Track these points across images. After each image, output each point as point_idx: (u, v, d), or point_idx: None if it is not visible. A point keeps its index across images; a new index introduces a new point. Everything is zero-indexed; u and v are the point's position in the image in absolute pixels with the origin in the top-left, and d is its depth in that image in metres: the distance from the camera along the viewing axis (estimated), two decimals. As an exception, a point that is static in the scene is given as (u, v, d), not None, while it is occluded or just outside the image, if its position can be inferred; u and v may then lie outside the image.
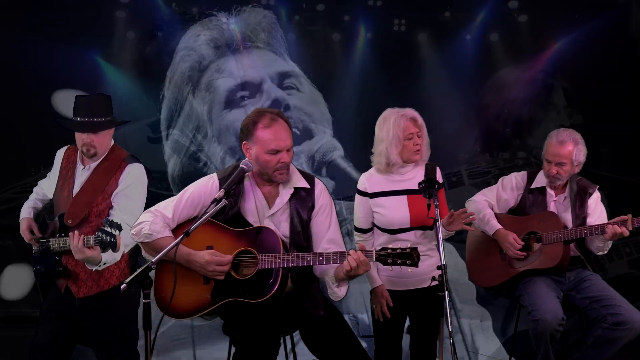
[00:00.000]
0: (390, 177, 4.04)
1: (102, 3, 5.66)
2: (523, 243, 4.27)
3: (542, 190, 4.39)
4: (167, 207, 3.47)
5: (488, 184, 4.60)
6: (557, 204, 4.37)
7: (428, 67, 5.94)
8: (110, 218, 3.62)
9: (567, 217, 4.33)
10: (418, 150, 3.98)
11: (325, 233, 3.54)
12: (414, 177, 3.95)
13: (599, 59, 5.66)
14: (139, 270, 3.01)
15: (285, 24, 5.93)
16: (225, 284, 3.38)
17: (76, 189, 3.87)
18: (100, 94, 4.03)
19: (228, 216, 3.46)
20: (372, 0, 5.90)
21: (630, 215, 4.08)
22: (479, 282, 4.57)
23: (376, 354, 4.08)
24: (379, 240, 4.02)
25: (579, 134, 4.31)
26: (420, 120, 4.03)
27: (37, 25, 5.50)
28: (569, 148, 4.24)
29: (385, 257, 3.23)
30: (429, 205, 3.62)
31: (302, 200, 3.53)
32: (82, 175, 3.90)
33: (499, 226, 4.31)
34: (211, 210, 3.26)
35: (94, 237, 3.54)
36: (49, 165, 4.12)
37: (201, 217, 3.25)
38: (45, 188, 4.12)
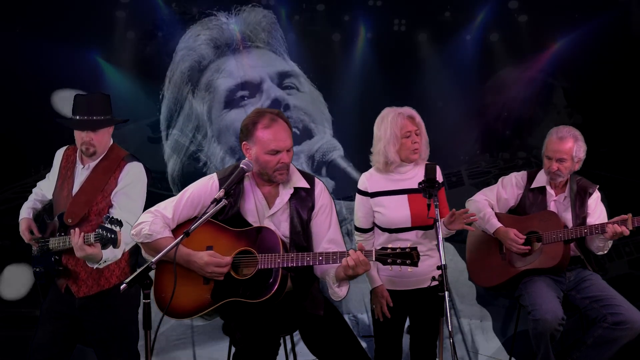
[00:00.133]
0: (391, 177, 4.04)
1: (102, 3, 5.66)
2: (525, 237, 4.27)
3: (542, 190, 4.39)
4: (167, 208, 3.47)
5: (488, 184, 4.60)
6: (557, 203, 4.37)
7: (428, 67, 5.94)
8: (111, 215, 3.62)
9: (567, 217, 4.33)
10: (416, 149, 3.98)
11: (326, 233, 3.53)
12: (414, 176, 3.95)
13: (599, 59, 5.66)
14: (139, 271, 3.01)
15: (285, 24, 5.93)
16: (225, 284, 3.38)
17: (76, 188, 3.87)
18: (100, 92, 4.04)
19: (228, 216, 3.46)
20: (372, 0, 5.90)
21: (630, 215, 4.09)
22: (479, 282, 4.57)
23: (376, 353, 4.08)
24: (380, 240, 4.02)
25: (578, 131, 4.32)
26: (418, 118, 4.03)
27: (37, 25, 5.49)
28: (569, 144, 4.26)
29: (385, 256, 3.23)
30: (429, 205, 3.62)
31: (302, 200, 3.52)
32: (81, 174, 3.90)
33: (499, 224, 4.31)
34: (211, 211, 3.26)
35: (94, 234, 3.54)
36: (48, 166, 4.12)
37: (201, 217, 3.25)
38: (45, 189, 4.12)
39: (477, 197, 4.47)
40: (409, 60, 5.93)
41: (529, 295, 4.22)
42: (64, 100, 5.44)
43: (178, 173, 5.92)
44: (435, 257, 3.84)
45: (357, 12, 5.91)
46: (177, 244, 3.16)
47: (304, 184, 3.55)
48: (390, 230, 3.98)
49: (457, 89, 5.90)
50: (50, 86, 5.52)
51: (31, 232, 4.02)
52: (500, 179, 4.52)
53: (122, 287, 2.97)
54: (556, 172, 4.28)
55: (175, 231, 3.47)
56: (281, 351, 3.46)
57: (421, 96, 5.73)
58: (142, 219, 3.46)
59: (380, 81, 5.88)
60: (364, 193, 4.05)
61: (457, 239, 4.66)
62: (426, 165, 3.75)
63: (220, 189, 3.36)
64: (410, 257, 3.21)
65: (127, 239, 3.62)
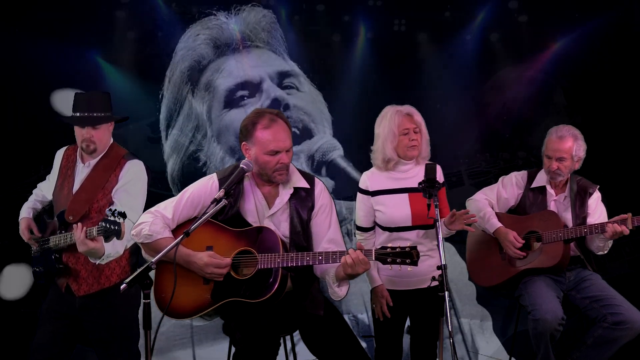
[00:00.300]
0: (392, 175, 4.04)
1: (102, 3, 5.65)
2: (523, 242, 4.27)
3: (542, 190, 4.40)
4: (167, 208, 3.48)
5: (488, 183, 4.59)
6: (558, 203, 4.37)
7: (428, 67, 5.93)
8: (114, 207, 3.62)
9: (567, 217, 4.33)
10: (414, 146, 3.98)
11: (325, 233, 3.53)
12: (415, 175, 3.95)
13: (599, 59, 5.66)
14: (139, 271, 3.01)
15: (285, 24, 5.92)
16: (225, 284, 3.38)
17: (76, 186, 3.89)
18: (100, 91, 4.05)
19: (228, 216, 3.46)
20: (372, 0, 5.89)
21: (630, 214, 4.09)
22: (479, 282, 4.57)
23: (376, 353, 4.09)
24: (380, 239, 4.03)
25: (578, 130, 4.33)
26: (417, 117, 4.03)
27: (37, 25, 5.49)
28: (569, 144, 4.26)
29: (385, 256, 3.23)
30: (428, 205, 3.62)
31: (302, 200, 3.52)
32: (82, 172, 3.92)
33: (499, 224, 4.31)
34: (211, 211, 3.26)
35: (97, 227, 3.53)
36: (48, 166, 4.12)
37: (201, 218, 3.25)
38: (45, 189, 4.12)
39: (477, 196, 4.47)
40: (409, 60, 5.92)
41: (529, 295, 4.22)
42: (63, 100, 5.43)
43: (178, 173, 5.92)
44: (435, 258, 3.85)
45: (357, 12, 5.90)
46: (177, 244, 3.16)
47: (303, 184, 3.55)
48: (391, 229, 3.98)
49: (457, 89, 5.90)
50: (50, 86, 5.51)
51: (31, 232, 4.02)
52: (500, 179, 4.52)
53: (122, 287, 2.98)
54: (556, 171, 4.29)
55: (175, 231, 3.47)
56: (281, 351, 3.46)
57: (421, 96, 5.72)
58: (142, 219, 3.46)
59: (380, 81, 5.88)
60: (365, 192, 4.05)
61: (457, 239, 4.65)
62: (426, 165, 3.75)
63: (220, 189, 3.36)
64: (410, 256, 3.21)
65: (128, 235, 3.62)
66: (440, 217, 3.80)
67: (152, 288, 3.22)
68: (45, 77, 5.49)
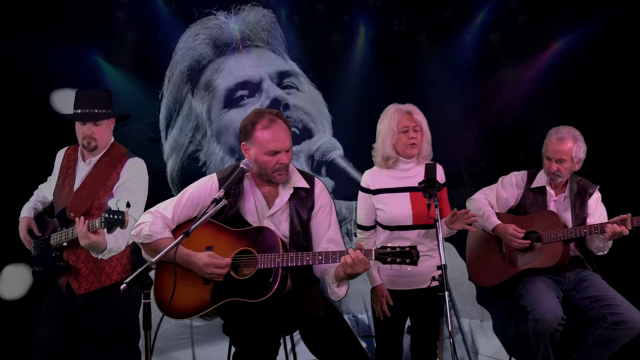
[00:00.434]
0: (394, 174, 4.04)
1: (102, 3, 5.65)
2: (524, 231, 4.27)
3: (542, 190, 4.39)
4: (167, 208, 3.47)
5: (488, 183, 4.58)
6: (557, 203, 4.37)
7: (428, 67, 5.93)
8: (117, 197, 3.62)
9: (567, 217, 4.33)
10: (413, 144, 3.99)
11: (325, 233, 3.53)
12: (417, 174, 3.95)
13: (599, 59, 5.65)
14: (139, 270, 3.01)
15: (284, 24, 5.92)
16: (225, 284, 3.37)
17: (77, 183, 3.90)
18: (101, 89, 4.07)
19: (227, 216, 3.46)
20: (372, 0, 5.89)
21: (629, 215, 4.09)
22: (479, 282, 4.57)
23: (377, 353, 4.09)
24: (381, 238, 4.03)
25: (578, 131, 4.32)
26: (417, 115, 4.04)
27: (37, 25, 5.49)
28: (569, 145, 4.26)
29: (385, 255, 3.23)
30: (428, 205, 3.63)
31: (302, 200, 3.52)
32: (82, 170, 3.93)
33: (498, 222, 4.31)
34: (211, 211, 3.26)
35: (100, 219, 3.52)
36: (48, 166, 4.12)
37: (201, 218, 3.25)
38: (46, 190, 4.14)
39: (477, 196, 4.47)
40: (409, 60, 5.92)
41: (529, 295, 4.22)
42: (63, 100, 5.43)
43: (177, 173, 5.92)
44: (436, 258, 3.85)
45: (357, 12, 5.90)
46: (177, 244, 3.15)
47: (303, 184, 3.55)
48: (392, 228, 3.99)
49: (457, 89, 5.90)
50: (50, 86, 5.51)
51: (31, 232, 4.03)
52: (500, 179, 4.52)
53: (122, 287, 2.97)
54: (556, 172, 4.28)
55: (175, 231, 3.47)
56: (281, 351, 3.46)
57: (421, 96, 5.71)
58: (142, 219, 3.46)
59: (380, 81, 5.88)
60: (366, 190, 4.05)
61: (457, 239, 4.65)
62: (426, 165, 3.75)
63: (220, 189, 3.36)
64: (409, 256, 3.21)
65: (130, 229, 3.59)
66: (441, 218, 3.81)
67: (152, 288, 3.22)
68: (45, 77, 5.49)
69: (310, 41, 5.94)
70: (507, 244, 4.35)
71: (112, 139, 4.00)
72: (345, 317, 5.31)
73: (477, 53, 5.88)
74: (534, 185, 4.42)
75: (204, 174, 5.04)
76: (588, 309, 4.22)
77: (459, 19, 5.90)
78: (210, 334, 5.64)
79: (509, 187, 4.46)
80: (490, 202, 4.42)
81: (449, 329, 3.36)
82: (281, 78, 5.96)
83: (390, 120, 4.02)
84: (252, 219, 3.48)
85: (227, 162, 5.87)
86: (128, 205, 3.50)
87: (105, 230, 3.55)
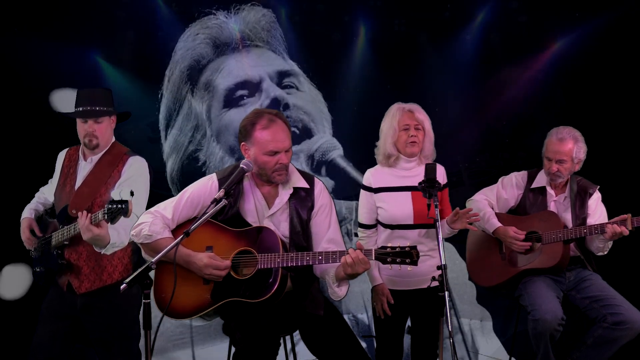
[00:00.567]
0: (396, 173, 4.05)
1: (102, 3, 5.64)
2: (525, 233, 4.27)
3: (542, 190, 4.39)
4: (167, 208, 3.47)
5: (488, 184, 4.58)
6: (557, 203, 4.37)
7: (428, 67, 5.92)
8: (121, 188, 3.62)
9: (567, 217, 4.33)
10: (413, 142, 3.99)
11: (325, 233, 3.53)
12: (419, 174, 3.94)
13: (599, 59, 5.65)
14: (138, 270, 3.01)
15: (284, 23, 5.92)
16: (225, 284, 3.37)
17: (78, 182, 3.91)
18: (101, 87, 4.08)
19: (227, 216, 3.46)
20: (372, 0, 5.89)
21: (629, 215, 4.09)
22: (479, 282, 4.57)
23: (377, 352, 4.09)
24: (382, 237, 4.03)
25: (578, 132, 4.32)
26: (419, 114, 4.05)
27: (36, 25, 5.48)
28: (569, 146, 4.26)
29: (385, 255, 3.23)
30: (428, 206, 3.63)
31: (302, 200, 3.52)
32: (84, 168, 3.95)
33: (498, 224, 4.31)
34: (211, 211, 3.26)
35: (103, 211, 3.52)
36: (48, 165, 4.12)
37: (201, 218, 3.24)
38: (47, 192, 4.15)
39: (477, 196, 4.47)
40: (409, 60, 5.92)
41: (529, 295, 4.22)
42: (63, 100, 5.43)
43: (177, 173, 5.92)
44: (436, 258, 3.85)
45: (357, 12, 5.90)
46: (176, 244, 3.15)
47: (303, 184, 3.55)
48: (393, 227, 3.99)
49: (457, 88, 5.90)
50: (50, 86, 5.50)
51: (32, 232, 4.03)
52: (500, 179, 4.52)
53: (122, 287, 2.97)
54: (556, 173, 4.28)
55: (175, 231, 3.47)
56: (281, 351, 3.46)
57: (421, 96, 5.67)
58: (142, 219, 3.45)
59: (380, 81, 5.88)
60: (368, 188, 4.06)
61: (457, 239, 4.65)
62: (426, 165, 3.75)
63: (219, 189, 3.36)
64: (409, 256, 3.21)
65: (133, 222, 3.59)
66: (442, 218, 3.81)
67: (152, 288, 3.21)
68: (45, 77, 5.49)
69: (310, 41, 5.94)
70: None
71: (114, 139, 4.01)
72: (345, 317, 5.32)
73: (477, 53, 5.88)
74: (534, 185, 4.42)
75: (203, 174, 5.04)
76: (588, 309, 4.22)
77: (459, 19, 5.89)
78: (210, 334, 5.63)
79: (509, 187, 4.46)
80: (490, 202, 4.42)
81: (449, 329, 3.36)
82: (281, 78, 5.96)
83: (392, 118, 4.04)
84: (252, 219, 3.48)
85: (226, 162, 5.87)
86: (132, 194, 3.50)
87: (108, 223, 3.55)
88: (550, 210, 4.34)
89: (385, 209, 4.01)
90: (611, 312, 4.10)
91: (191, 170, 5.85)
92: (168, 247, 3.16)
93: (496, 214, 4.38)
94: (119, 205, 3.46)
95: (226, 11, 5.84)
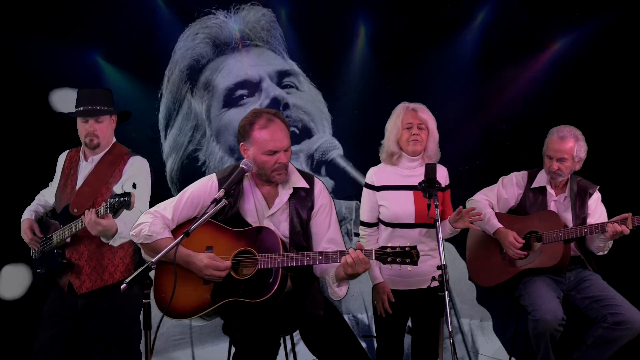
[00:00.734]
0: (398, 172, 4.06)
1: (102, 2, 5.64)
2: (523, 242, 4.27)
3: (542, 190, 4.39)
4: (167, 208, 3.47)
5: (488, 183, 4.58)
6: (558, 203, 4.37)
7: (428, 67, 5.92)
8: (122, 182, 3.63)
9: (567, 217, 4.33)
10: (415, 141, 4.00)
11: (325, 233, 3.53)
12: (421, 173, 3.94)
13: (599, 59, 5.65)
14: (138, 270, 3.01)
15: (284, 23, 5.91)
16: (225, 284, 3.37)
17: (79, 182, 3.92)
18: (102, 87, 4.08)
19: (227, 216, 3.46)
20: (372, 0, 5.89)
21: (630, 214, 4.09)
22: (479, 282, 4.57)
23: (378, 352, 4.09)
24: (383, 235, 4.03)
25: (579, 131, 4.33)
26: (423, 114, 4.07)
27: (36, 25, 5.48)
28: (570, 144, 4.26)
29: (385, 255, 3.23)
30: (428, 206, 3.63)
31: (302, 200, 3.52)
32: (85, 168, 3.96)
33: (499, 225, 4.31)
34: (211, 211, 3.26)
35: (105, 204, 3.54)
36: (48, 166, 4.12)
37: (201, 218, 3.24)
38: (47, 195, 4.17)
39: (477, 196, 4.47)
40: (409, 60, 5.91)
41: (529, 295, 4.22)
42: (62, 99, 5.43)
43: (177, 172, 5.91)
44: (437, 258, 3.84)
45: (357, 12, 5.89)
46: (176, 244, 3.15)
47: (303, 183, 3.55)
48: (394, 225, 3.99)
49: (457, 89, 5.89)
50: (50, 86, 5.50)
51: (33, 233, 4.03)
52: (500, 179, 4.52)
53: (122, 287, 2.97)
54: (557, 171, 4.29)
55: (175, 232, 3.47)
56: (281, 351, 3.46)
57: (421, 96, 5.66)
58: (142, 219, 3.45)
59: (380, 81, 5.87)
60: (371, 187, 4.07)
61: (457, 239, 4.65)
62: (426, 165, 3.76)
63: (219, 189, 3.36)
64: (409, 256, 3.21)
65: (135, 217, 3.59)
66: (443, 219, 3.81)
67: (152, 288, 3.21)
68: (45, 77, 5.49)
69: (310, 41, 5.93)
70: (506, 246, 4.35)
71: (114, 139, 4.02)
72: (345, 317, 5.31)
73: (477, 53, 5.87)
74: (534, 185, 4.42)
75: (203, 174, 5.04)
76: (588, 309, 4.22)
77: (459, 19, 5.89)
78: (210, 334, 5.63)
79: (510, 187, 4.46)
80: (490, 202, 4.42)
81: (449, 329, 3.36)
82: (281, 77, 5.95)
83: (397, 117, 4.08)
84: (252, 219, 3.48)
85: (226, 162, 5.87)
86: (134, 186, 3.51)
87: (111, 215, 3.56)
88: (550, 209, 4.34)
89: (387, 207, 4.01)
90: (611, 312, 4.10)
91: (191, 170, 5.85)
92: (168, 247, 3.16)
93: (496, 213, 4.38)
94: (122, 198, 3.48)
95: (226, 11, 5.84)
